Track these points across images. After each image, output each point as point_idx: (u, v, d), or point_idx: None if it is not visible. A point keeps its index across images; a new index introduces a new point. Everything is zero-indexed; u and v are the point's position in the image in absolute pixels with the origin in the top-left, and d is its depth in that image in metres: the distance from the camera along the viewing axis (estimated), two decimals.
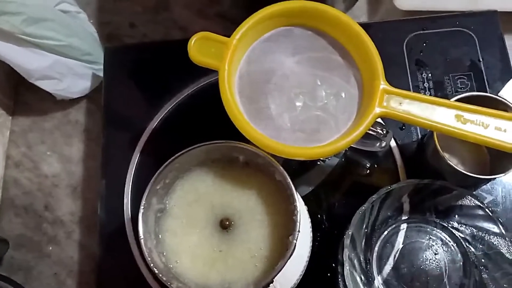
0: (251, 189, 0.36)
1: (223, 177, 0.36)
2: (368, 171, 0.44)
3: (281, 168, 0.33)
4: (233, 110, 0.33)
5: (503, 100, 0.38)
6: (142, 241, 0.32)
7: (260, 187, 0.36)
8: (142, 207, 0.33)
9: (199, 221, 0.35)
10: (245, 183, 0.36)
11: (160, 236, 0.35)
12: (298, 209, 0.32)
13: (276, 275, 0.31)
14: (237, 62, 0.36)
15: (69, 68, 0.49)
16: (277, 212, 0.35)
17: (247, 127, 0.33)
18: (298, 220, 0.32)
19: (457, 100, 0.37)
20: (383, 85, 0.34)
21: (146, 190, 0.33)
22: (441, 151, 0.38)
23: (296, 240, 0.31)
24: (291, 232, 0.32)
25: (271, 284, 0.32)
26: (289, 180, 0.33)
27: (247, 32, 0.35)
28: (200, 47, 0.35)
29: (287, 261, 0.31)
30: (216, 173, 0.36)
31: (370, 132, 0.39)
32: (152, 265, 0.31)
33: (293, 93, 0.38)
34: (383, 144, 0.39)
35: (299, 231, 0.31)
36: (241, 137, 0.33)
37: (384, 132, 0.39)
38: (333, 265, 0.41)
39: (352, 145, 0.40)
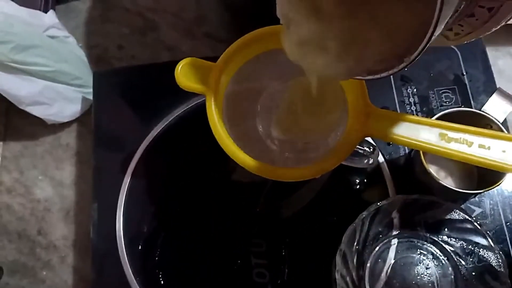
0: None
1: None
2: (358, 187, 0.45)
3: None
4: (220, 135, 0.34)
5: (486, 115, 0.39)
6: None
7: None
8: None
9: None
10: None
11: None
12: None
13: None
14: (225, 85, 0.37)
15: (59, 93, 0.50)
16: None
17: (234, 150, 0.34)
18: None
19: (441, 117, 0.38)
20: (366, 105, 0.34)
21: None
22: (427, 167, 0.38)
23: None
24: None
25: None
26: None
27: (233, 56, 0.36)
28: (187, 73, 0.35)
29: None
30: None
31: (358, 150, 0.39)
32: None
33: None
34: (370, 161, 0.40)
35: None
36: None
37: (371, 149, 0.39)
38: (326, 282, 0.41)
39: (341, 163, 0.41)
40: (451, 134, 0.33)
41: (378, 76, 0.24)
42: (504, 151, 0.32)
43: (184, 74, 0.35)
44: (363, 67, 0.25)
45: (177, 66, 0.35)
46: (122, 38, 0.57)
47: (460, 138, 0.33)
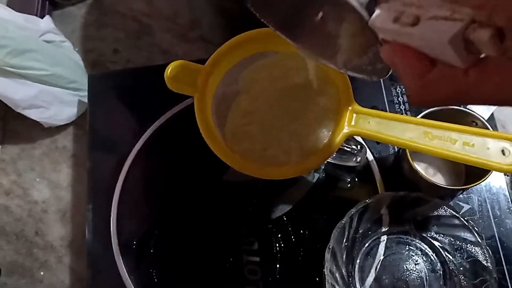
0: None
1: None
2: (348, 185, 0.46)
3: None
4: (206, 134, 0.35)
5: (471, 112, 0.39)
6: None
7: None
8: None
9: None
10: None
11: None
12: None
13: None
14: (214, 87, 0.38)
15: (55, 96, 0.51)
16: None
17: (221, 150, 0.35)
18: None
19: (427, 115, 0.38)
20: (351, 104, 0.35)
21: None
22: (414, 165, 0.39)
23: None
24: None
25: None
26: None
27: (222, 59, 0.37)
28: (176, 76, 0.36)
29: None
30: None
31: (345, 148, 0.40)
32: None
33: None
34: (358, 159, 0.41)
35: None
36: None
37: (359, 148, 0.40)
38: (317, 279, 0.42)
39: (330, 161, 0.42)
40: (435, 132, 0.33)
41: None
42: (488, 148, 0.32)
43: (173, 77, 0.36)
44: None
45: (166, 69, 0.36)
46: (117, 42, 0.58)
47: (444, 135, 0.33)
